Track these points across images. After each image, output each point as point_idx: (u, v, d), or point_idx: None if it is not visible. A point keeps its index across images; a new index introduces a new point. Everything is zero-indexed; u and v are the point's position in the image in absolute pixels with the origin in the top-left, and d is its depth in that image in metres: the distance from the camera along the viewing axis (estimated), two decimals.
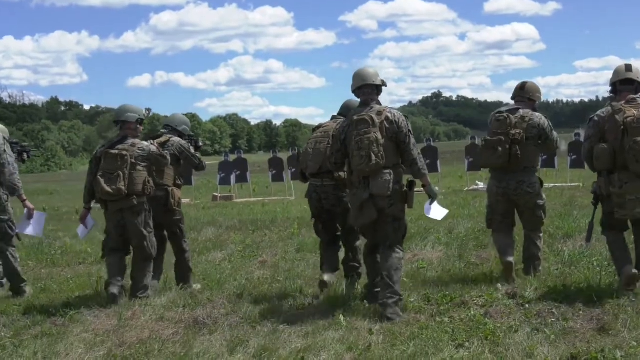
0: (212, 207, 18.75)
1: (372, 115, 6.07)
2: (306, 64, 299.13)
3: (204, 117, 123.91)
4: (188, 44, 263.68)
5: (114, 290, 6.84)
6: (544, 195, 7.05)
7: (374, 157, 5.95)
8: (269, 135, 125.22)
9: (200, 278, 7.95)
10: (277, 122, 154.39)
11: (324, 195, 6.94)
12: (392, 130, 6.06)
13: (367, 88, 6.23)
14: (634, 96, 6.16)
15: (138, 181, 6.93)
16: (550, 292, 6.21)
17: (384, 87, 6.32)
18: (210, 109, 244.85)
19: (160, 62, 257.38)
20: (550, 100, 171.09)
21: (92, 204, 7.28)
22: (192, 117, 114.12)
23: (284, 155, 25.67)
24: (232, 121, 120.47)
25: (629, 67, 6.28)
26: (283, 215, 14.87)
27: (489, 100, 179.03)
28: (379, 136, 6.00)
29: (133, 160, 6.93)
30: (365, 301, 6.33)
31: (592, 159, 6.21)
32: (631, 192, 6.01)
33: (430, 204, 6.39)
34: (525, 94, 7.04)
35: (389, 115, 6.11)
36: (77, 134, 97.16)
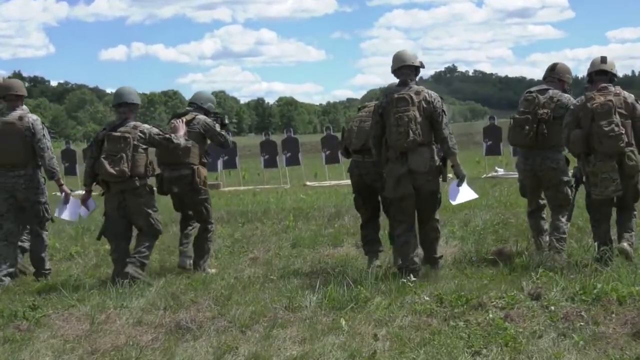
0: None
1: (412, 95, 7.33)
2: (303, 34, 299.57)
3: (187, 95, 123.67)
4: (168, 12, 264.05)
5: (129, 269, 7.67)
6: (569, 173, 8.04)
7: (411, 134, 7.21)
8: (261, 116, 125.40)
9: (183, 277, 7.97)
10: (270, 100, 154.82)
11: (364, 170, 8.03)
12: (428, 109, 7.31)
13: (406, 69, 7.49)
14: (606, 85, 7.52)
15: (140, 163, 7.78)
16: (579, 292, 6.23)
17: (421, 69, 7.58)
18: (194, 85, 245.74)
19: (137, 32, 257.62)
20: (580, 76, 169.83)
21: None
22: (174, 94, 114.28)
23: (277, 138, 25.66)
24: (219, 99, 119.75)
25: (603, 59, 7.66)
26: (277, 205, 14.89)
27: (510, 75, 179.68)
28: (417, 114, 7.26)
29: (135, 143, 7.76)
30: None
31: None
32: (603, 170, 7.32)
33: (458, 185, 7.65)
34: (555, 75, 8.17)
35: (426, 95, 7.36)
36: (43, 114, 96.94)
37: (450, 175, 7.97)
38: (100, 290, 7.37)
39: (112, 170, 7.67)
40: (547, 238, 7.97)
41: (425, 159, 7.29)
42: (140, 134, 7.81)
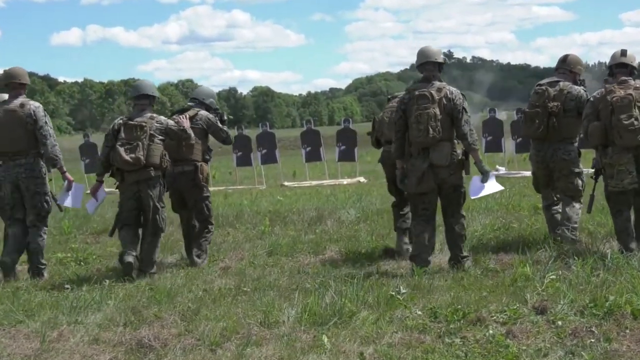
0: None
1: (432, 92, 8.21)
2: (280, 16, 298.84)
3: None
4: None
5: (129, 258, 8.58)
6: (580, 165, 9.01)
7: (431, 131, 8.07)
8: (233, 107, 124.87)
9: (145, 289, 7.95)
10: (244, 90, 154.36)
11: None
12: (449, 106, 8.19)
13: (430, 65, 8.39)
14: (626, 78, 8.42)
15: (155, 153, 8.68)
16: (589, 305, 6.28)
17: (441, 63, 8.44)
18: (157, 73, 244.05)
19: (94, 13, 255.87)
20: (590, 63, 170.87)
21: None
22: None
23: (252, 133, 25.63)
24: (186, 89, 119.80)
25: (624, 52, 8.56)
26: (251, 208, 14.89)
27: (512, 62, 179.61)
28: (437, 111, 8.12)
29: (151, 132, 8.69)
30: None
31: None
32: (620, 162, 8.23)
33: (482, 181, 8.49)
34: (567, 67, 9.12)
35: (448, 92, 8.25)
36: None
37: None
38: (51, 304, 7.35)
39: (127, 158, 8.56)
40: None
41: (446, 153, 8.16)
42: (157, 124, 8.77)
